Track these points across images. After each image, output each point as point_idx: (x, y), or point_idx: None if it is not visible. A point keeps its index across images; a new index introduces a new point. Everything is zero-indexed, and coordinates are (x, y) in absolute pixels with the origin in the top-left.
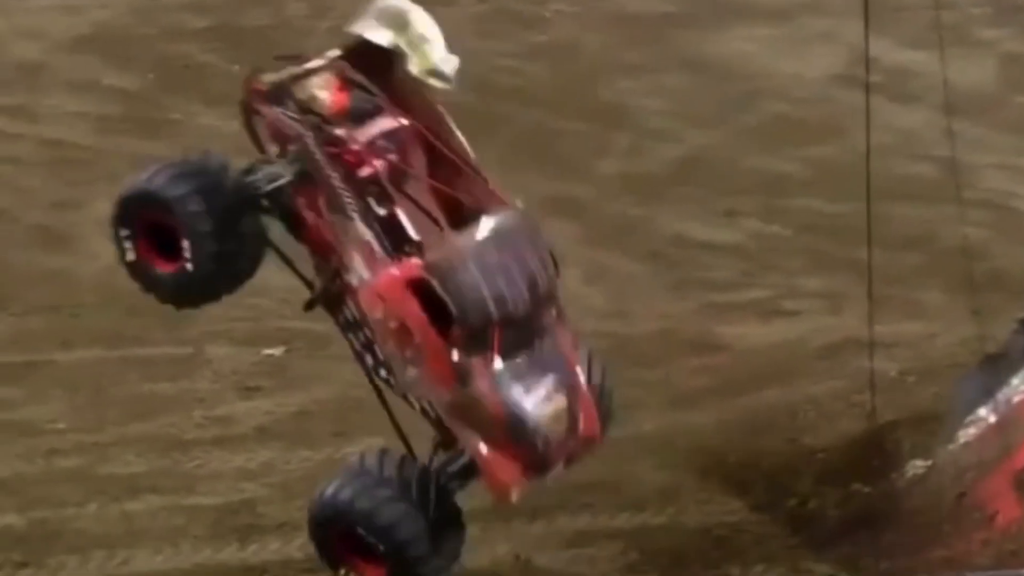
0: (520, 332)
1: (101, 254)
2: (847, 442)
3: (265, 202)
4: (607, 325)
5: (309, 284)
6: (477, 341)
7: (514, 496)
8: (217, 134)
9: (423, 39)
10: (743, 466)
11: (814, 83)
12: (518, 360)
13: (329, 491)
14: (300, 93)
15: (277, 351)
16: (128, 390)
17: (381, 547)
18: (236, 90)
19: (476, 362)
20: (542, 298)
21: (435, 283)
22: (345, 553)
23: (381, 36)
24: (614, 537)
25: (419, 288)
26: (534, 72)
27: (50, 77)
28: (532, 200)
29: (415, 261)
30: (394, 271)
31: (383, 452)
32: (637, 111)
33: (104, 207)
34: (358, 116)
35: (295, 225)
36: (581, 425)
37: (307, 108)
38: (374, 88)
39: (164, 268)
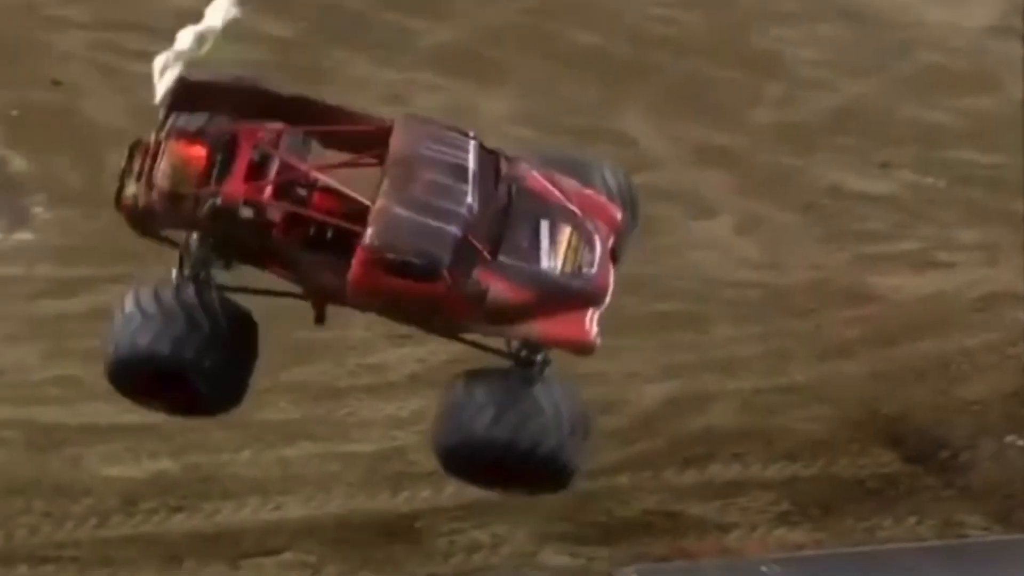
0: (490, 217)
1: None
2: (1001, 394)
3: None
4: (759, 275)
5: (305, 297)
6: (463, 260)
7: (594, 340)
8: (369, 82)
9: (212, 31)
10: (895, 418)
11: (970, 33)
12: (507, 236)
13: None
14: (163, 181)
15: None
16: (282, 338)
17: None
18: (390, 38)
19: (477, 274)
20: (481, 174)
21: (388, 253)
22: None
23: (163, 89)
24: (766, 487)
25: (381, 261)
26: (688, 21)
27: None
28: (684, 149)
29: (361, 243)
30: (355, 265)
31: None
32: (791, 60)
33: None
34: (220, 149)
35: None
36: (599, 227)
37: (177, 185)
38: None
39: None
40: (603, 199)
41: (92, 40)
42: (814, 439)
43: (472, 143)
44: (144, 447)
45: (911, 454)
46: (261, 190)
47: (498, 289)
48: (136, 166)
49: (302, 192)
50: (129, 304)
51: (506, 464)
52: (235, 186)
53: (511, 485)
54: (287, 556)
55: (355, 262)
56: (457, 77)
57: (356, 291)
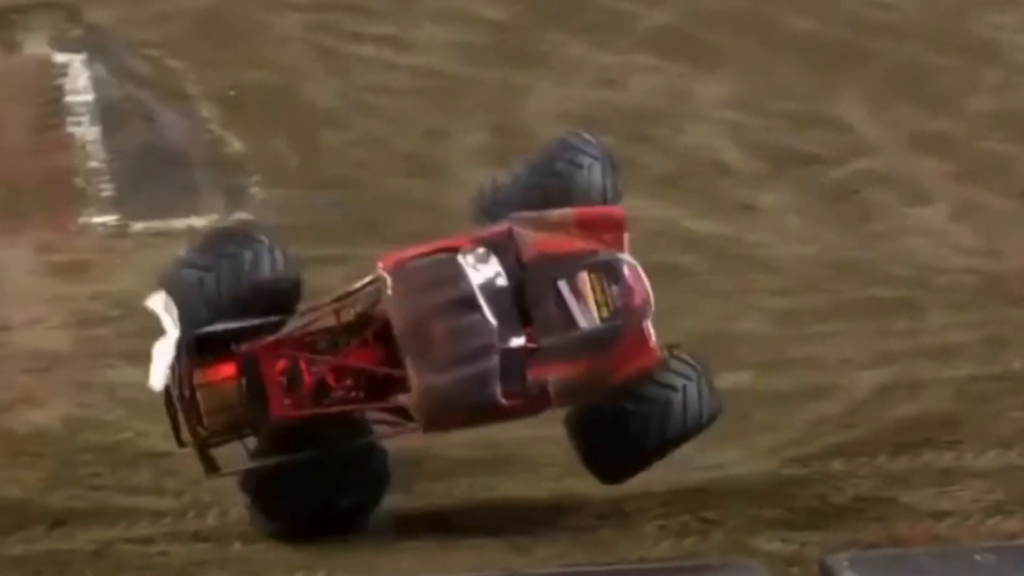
0: (511, 308)
1: (469, 183)
2: None
3: None
4: (975, 262)
5: None
6: (511, 373)
7: (660, 354)
8: (585, 65)
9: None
10: None
11: None
12: (536, 317)
13: None
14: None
15: None
16: None
17: None
18: (606, 20)
19: (530, 375)
20: (486, 283)
21: (445, 429)
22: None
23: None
24: (980, 476)
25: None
26: (905, 7)
27: (421, 7)
28: (901, 135)
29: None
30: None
31: None
32: (1009, 47)
33: (476, 137)
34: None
35: None
36: (608, 244)
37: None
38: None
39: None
40: (598, 209)
41: (309, 22)
42: None
43: (462, 262)
44: None
45: None
46: (303, 400)
47: (557, 376)
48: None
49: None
50: None
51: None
52: (278, 407)
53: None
54: (497, 537)
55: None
56: (673, 60)
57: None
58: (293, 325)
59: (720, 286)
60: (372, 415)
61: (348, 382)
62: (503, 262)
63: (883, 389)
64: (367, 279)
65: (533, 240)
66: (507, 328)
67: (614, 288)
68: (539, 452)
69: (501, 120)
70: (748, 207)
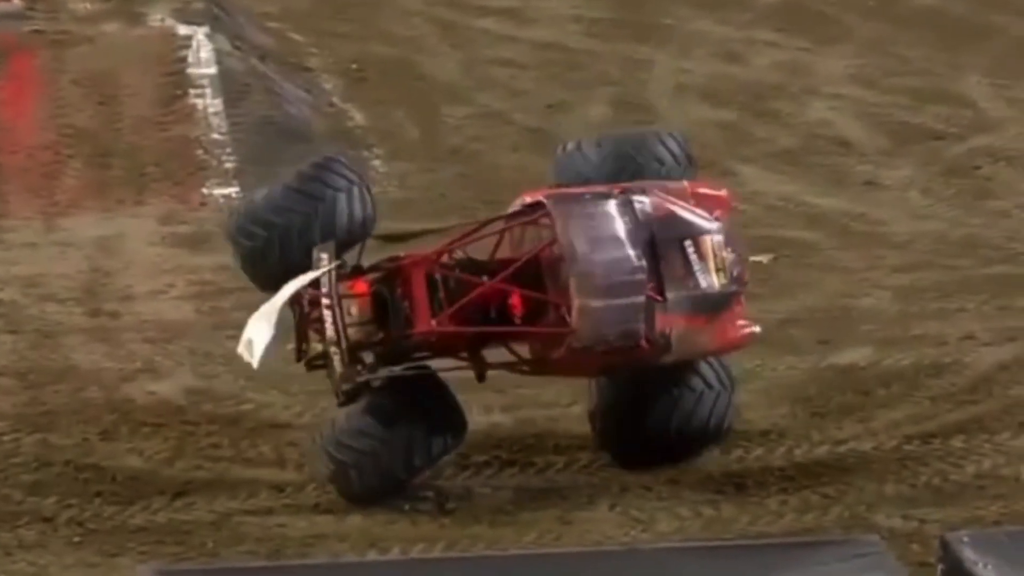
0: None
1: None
2: None
3: None
4: None
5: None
6: (649, 317)
7: (756, 329)
8: (707, 39)
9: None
10: None
11: None
12: (664, 271)
13: None
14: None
15: (764, 258)
16: None
17: None
18: None
19: (659, 323)
20: (632, 226)
21: (597, 347)
22: None
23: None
24: None
25: (587, 351)
26: None
27: None
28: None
29: (570, 343)
30: (559, 354)
31: None
32: None
33: (596, 111)
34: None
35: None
36: (722, 219)
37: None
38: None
39: None
40: (710, 189)
41: None
42: None
43: (614, 203)
44: (478, 400)
45: None
46: (451, 320)
47: (679, 329)
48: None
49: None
50: None
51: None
52: (423, 323)
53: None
54: (616, 512)
55: (559, 353)
56: (794, 35)
57: (553, 371)
58: (441, 244)
59: (842, 262)
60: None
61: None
62: (640, 210)
63: (1005, 366)
64: (515, 208)
65: (662, 200)
66: (648, 275)
67: (731, 257)
68: None
69: (622, 94)
70: (870, 183)
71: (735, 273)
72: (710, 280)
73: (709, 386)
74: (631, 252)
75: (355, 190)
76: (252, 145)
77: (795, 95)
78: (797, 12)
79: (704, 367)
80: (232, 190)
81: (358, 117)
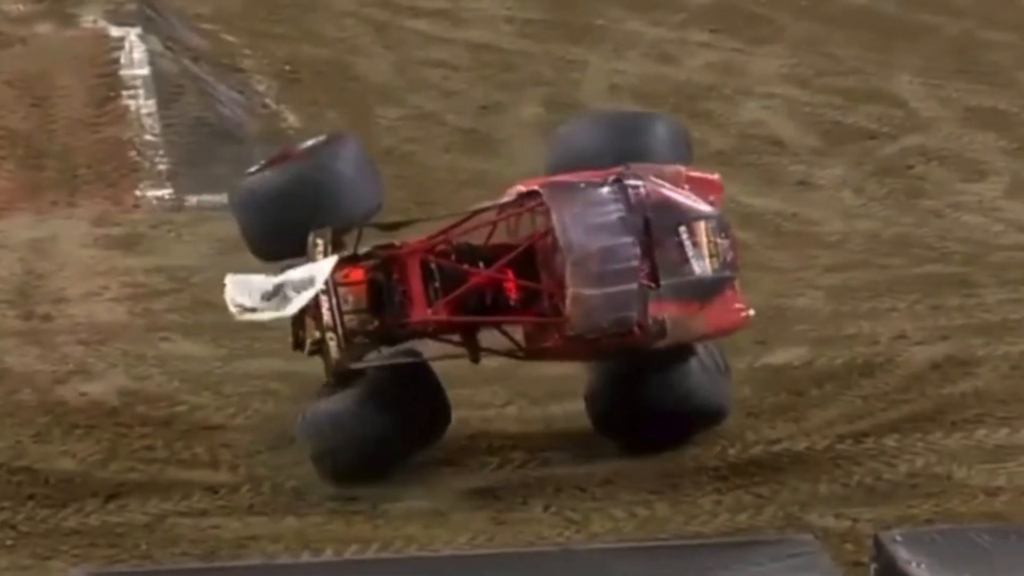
0: (642, 244)
1: (524, 158)
2: None
3: None
4: None
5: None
6: (642, 304)
7: (751, 312)
8: (640, 40)
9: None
10: None
11: None
12: (659, 257)
13: None
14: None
15: None
16: None
17: None
18: None
19: (652, 309)
20: (628, 211)
21: (589, 335)
22: None
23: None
24: None
25: (580, 339)
26: None
27: None
28: (955, 110)
29: (564, 331)
30: (554, 342)
31: None
32: None
33: (530, 112)
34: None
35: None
36: (715, 204)
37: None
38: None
39: None
40: (703, 174)
41: None
42: None
43: (608, 190)
44: None
45: None
46: (446, 308)
47: (672, 315)
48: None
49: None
50: None
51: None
52: (419, 312)
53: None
54: (550, 512)
55: (553, 341)
56: (727, 36)
57: (548, 356)
58: (435, 232)
59: (775, 262)
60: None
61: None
62: (633, 195)
63: (937, 365)
64: (508, 197)
65: (656, 185)
66: (642, 262)
67: (724, 242)
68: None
69: (555, 94)
70: (803, 183)
71: (728, 258)
72: (704, 265)
73: (705, 367)
74: (625, 239)
75: (366, 171)
76: (185, 146)
77: (728, 96)
78: (730, 13)
79: (700, 348)
80: (165, 192)
81: (291, 118)
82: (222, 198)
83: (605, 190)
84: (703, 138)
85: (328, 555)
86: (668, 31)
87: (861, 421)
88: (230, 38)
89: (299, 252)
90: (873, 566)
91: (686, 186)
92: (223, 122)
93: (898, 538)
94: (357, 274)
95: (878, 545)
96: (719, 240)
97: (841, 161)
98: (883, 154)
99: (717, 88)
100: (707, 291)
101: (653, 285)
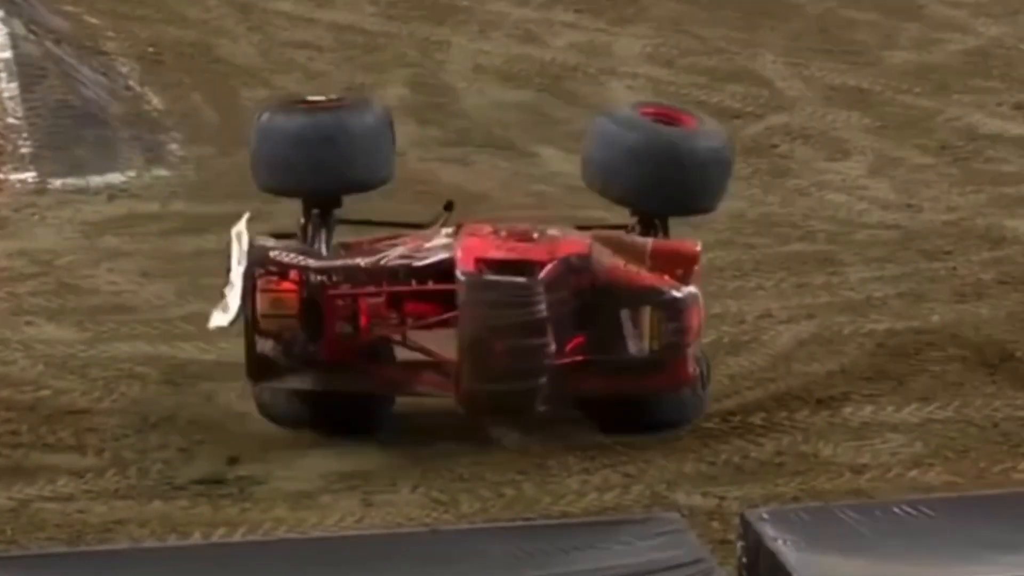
0: (575, 322)
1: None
2: None
3: None
4: (894, 217)
5: None
6: (555, 383)
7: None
8: (505, 20)
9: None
10: None
11: None
12: (591, 335)
13: None
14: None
15: None
16: None
17: None
18: None
19: (569, 387)
20: (555, 299)
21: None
22: None
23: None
24: (899, 430)
25: None
26: None
27: None
28: (819, 90)
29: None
30: None
31: None
32: (927, 2)
33: (395, 92)
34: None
35: None
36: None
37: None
38: None
39: None
40: (675, 243)
41: None
42: (948, 381)
43: (536, 289)
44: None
45: None
46: (353, 351)
47: (593, 387)
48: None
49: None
50: None
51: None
52: (330, 351)
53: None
54: (419, 493)
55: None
56: (591, 16)
57: None
58: (365, 259)
59: None
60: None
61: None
62: (574, 279)
63: (803, 343)
64: (443, 228)
65: (608, 265)
66: (560, 343)
67: (671, 325)
68: (449, 409)
69: (420, 75)
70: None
71: (670, 340)
72: (640, 346)
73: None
74: (539, 340)
75: (384, 140)
76: (48, 129)
77: (593, 76)
78: None
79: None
80: (29, 175)
81: (155, 100)
82: (85, 181)
83: (534, 292)
84: (568, 118)
85: (196, 539)
86: (533, 11)
87: (728, 400)
88: (93, 20)
89: (295, 195)
90: (740, 544)
91: (649, 263)
92: (86, 105)
93: (764, 516)
94: (287, 285)
95: (744, 523)
96: (665, 325)
97: None
98: (748, 133)
99: (582, 68)
100: (641, 367)
101: (579, 361)
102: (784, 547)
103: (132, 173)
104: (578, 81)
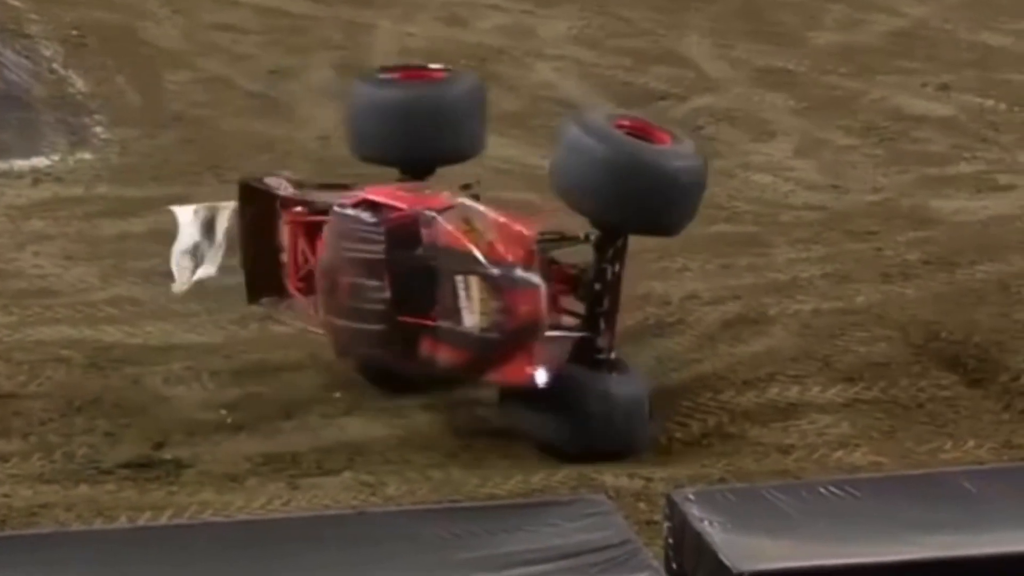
0: (422, 283)
1: (315, 122)
2: None
3: None
4: (820, 198)
5: None
6: (406, 339)
7: (535, 377)
8: (430, 3)
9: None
10: (957, 341)
11: None
12: (439, 299)
13: None
14: None
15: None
16: None
17: None
18: None
19: (423, 346)
20: (397, 253)
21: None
22: None
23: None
24: (825, 410)
25: None
26: None
27: None
28: (744, 71)
29: None
30: None
31: None
32: None
33: (320, 75)
34: None
35: None
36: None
37: None
38: None
39: None
40: (522, 226)
41: None
42: (874, 362)
43: (381, 230)
44: (205, 367)
45: (972, 377)
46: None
47: (444, 356)
48: None
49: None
50: None
51: None
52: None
53: None
54: (346, 476)
55: None
56: None
57: None
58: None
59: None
60: None
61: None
62: (426, 235)
63: (729, 324)
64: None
65: (450, 228)
66: (411, 302)
67: (495, 304)
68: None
69: (345, 58)
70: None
71: (497, 320)
72: (473, 320)
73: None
74: (377, 283)
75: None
76: None
77: (518, 58)
78: None
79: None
80: None
81: (79, 83)
82: (9, 164)
83: (379, 233)
84: (494, 100)
85: (122, 522)
86: None
87: (654, 381)
88: (15, 3)
89: (393, 164)
90: (666, 524)
91: (494, 234)
92: (10, 88)
93: (691, 496)
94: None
95: (671, 504)
96: (491, 300)
97: None
98: (674, 115)
99: (507, 51)
100: (478, 345)
101: (429, 323)
102: (710, 528)
103: (56, 156)
104: (504, 64)
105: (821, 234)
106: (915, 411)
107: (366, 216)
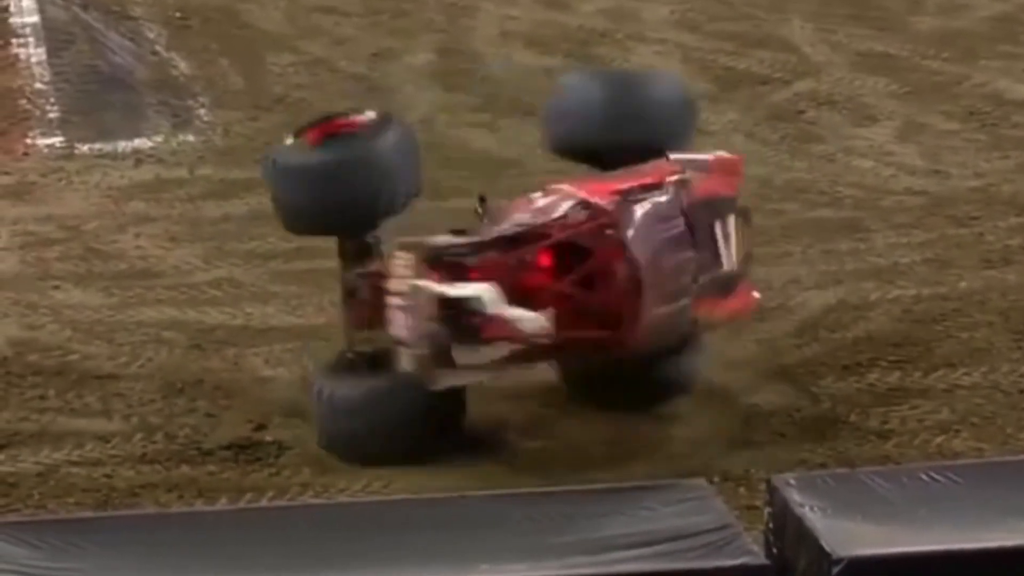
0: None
1: (414, 105)
2: None
3: None
4: (921, 183)
5: None
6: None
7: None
8: None
9: None
10: None
11: None
12: (699, 256)
13: None
14: None
15: None
16: None
17: None
18: None
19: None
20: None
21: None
22: None
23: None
24: (926, 396)
25: None
26: None
27: None
28: (846, 56)
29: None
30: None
31: None
32: None
33: (421, 58)
34: None
35: None
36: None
37: None
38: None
39: None
40: (729, 157)
41: None
42: (975, 347)
43: (674, 201)
44: (305, 348)
45: None
46: None
47: (705, 311)
48: None
49: None
50: None
51: None
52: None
53: None
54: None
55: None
56: None
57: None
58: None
59: None
60: None
61: None
62: (675, 202)
63: (830, 310)
64: (548, 200)
65: (695, 183)
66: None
67: (747, 231)
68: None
69: (446, 41)
70: (696, 128)
71: (749, 250)
72: (731, 260)
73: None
74: (689, 252)
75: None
76: (76, 94)
77: (620, 41)
78: None
79: None
80: (56, 140)
81: (182, 66)
82: (113, 146)
83: (666, 199)
84: None
85: (223, 504)
86: None
87: (754, 366)
88: None
89: (328, 232)
90: (767, 510)
91: (715, 174)
92: (114, 70)
93: (792, 482)
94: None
95: (771, 489)
96: (744, 230)
97: (733, 107)
98: (775, 99)
99: (610, 34)
100: (732, 283)
101: (693, 282)
102: (811, 513)
103: (159, 138)
104: (606, 47)
105: (922, 219)
106: (1016, 397)
107: (659, 195)
